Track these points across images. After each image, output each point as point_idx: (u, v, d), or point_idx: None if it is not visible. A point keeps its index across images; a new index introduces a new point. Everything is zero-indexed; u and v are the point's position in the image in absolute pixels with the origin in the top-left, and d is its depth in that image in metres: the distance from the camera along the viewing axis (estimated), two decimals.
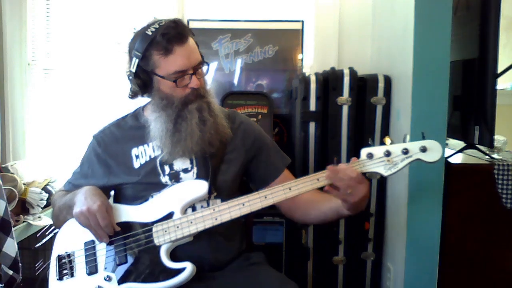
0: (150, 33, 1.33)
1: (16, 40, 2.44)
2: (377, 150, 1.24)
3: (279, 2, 2.47)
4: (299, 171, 1.97)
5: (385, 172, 1.24)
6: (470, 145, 1.85)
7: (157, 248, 1.30)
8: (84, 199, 1.32)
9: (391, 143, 1.25)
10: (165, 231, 1.30)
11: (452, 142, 2.06)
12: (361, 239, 2.00)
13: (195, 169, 1.41)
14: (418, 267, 1.72)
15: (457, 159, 1.88)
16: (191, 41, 1.36)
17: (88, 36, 2.50)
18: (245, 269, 1.40)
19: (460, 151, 1.88)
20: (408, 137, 1.24)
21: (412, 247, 1.71)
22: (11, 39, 2.42)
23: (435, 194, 1.67)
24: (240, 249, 1.47)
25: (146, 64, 1.35)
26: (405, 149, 1.22)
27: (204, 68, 1.41)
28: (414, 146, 1.23)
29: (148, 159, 1.42)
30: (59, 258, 1.37)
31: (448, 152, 1.87)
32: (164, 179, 1.40)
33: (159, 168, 1.40)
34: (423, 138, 1.23)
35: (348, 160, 1.92)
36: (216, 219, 1.29)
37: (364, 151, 1.26)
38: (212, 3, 2.47)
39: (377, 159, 1.24)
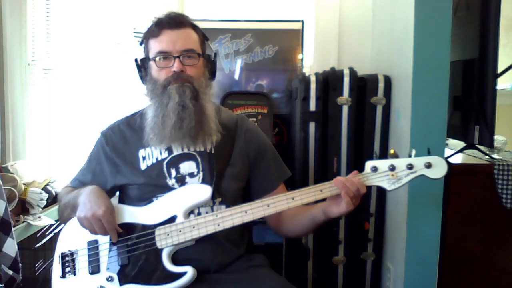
0: (151, 23, 1.44)
1: (16, 40, 2.44)
2: (382, 164, 1.25)
3: (279, 2, 2.47)
4: (299, 171, 1.96)
5: (388, 187, 1.25)
6: (470, 145, 1.85)
7: (159, 251, 1.31)
8: (88, 202, 1.31)
9: (396, 157, 1.25)
10: (167, 235, 1.31)
11: (452, 142, 2.06)
12: (361, 239, 1.99)
13: (201, 174, 1.41)
14: (418, 267, 1.71)
15: (457, 159, 1.88)
16: (188, 31, 1.41)
17: (88, 36, 2.49)
18: (246, 271, 1.39)
19: (460, 151, 1.88)
20: (414, 152, 1.24)
21: (412, 247, 1.71)
22: (11, 39, 2.42)
23: (435, 194, 1.67)
24: (241, 250, 1.47)
25: (145, 51, 1.45)
26: (410, 164, 1.23)
27: (195, 58, 1.40)
28: (419, 162, 1.23)
29: (155, 161, 1.42)
30: (62, 256, 1.37)
31: (448, 152, 1.86)
32: (171, 182, 1.40)
33: (165, 171, 1.41)
34: (429, 154, 1.23)
35: (348, 160, 1.96)
36: (218, 225, 1.30)
37: (368, 164, 1.26)
38: (212, 3, 2.47)
39: (381, 173, 1.25)
